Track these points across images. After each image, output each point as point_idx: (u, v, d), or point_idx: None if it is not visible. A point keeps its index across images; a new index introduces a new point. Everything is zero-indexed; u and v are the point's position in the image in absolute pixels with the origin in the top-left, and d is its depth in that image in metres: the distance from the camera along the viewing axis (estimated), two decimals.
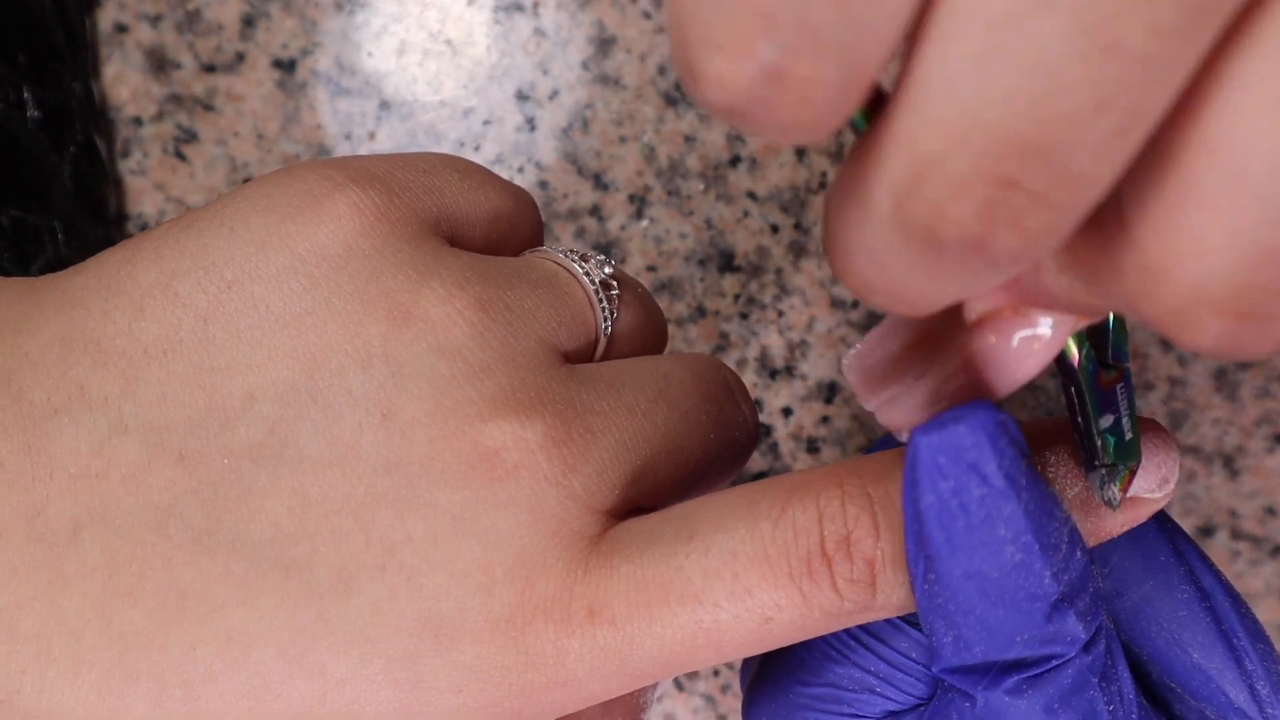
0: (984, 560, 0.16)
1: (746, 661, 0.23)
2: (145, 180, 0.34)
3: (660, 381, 0.20)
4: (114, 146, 0.34)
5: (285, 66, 0.34)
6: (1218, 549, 0.34)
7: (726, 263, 0.34)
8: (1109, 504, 0.18)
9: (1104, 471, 0.18)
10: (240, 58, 0.34)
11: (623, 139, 0.34)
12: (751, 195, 0.34)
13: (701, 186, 0.34)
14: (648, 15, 0.34)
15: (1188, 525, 0.34)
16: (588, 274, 0.20)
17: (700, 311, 0.34)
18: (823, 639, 0.20)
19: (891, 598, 0.18)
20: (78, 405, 0.17)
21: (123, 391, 0.17)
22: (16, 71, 0.30)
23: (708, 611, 0.17)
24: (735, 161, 0.34)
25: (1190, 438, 0.34)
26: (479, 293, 0.18)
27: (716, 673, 0.35)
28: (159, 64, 0.34)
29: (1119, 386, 0.19)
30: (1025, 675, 0.17)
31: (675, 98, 0.34)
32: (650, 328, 0.22)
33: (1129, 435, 0.18)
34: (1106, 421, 0.19)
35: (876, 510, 0.17)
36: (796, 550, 0.17)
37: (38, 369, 0.17)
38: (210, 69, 0.34)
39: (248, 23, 0.34)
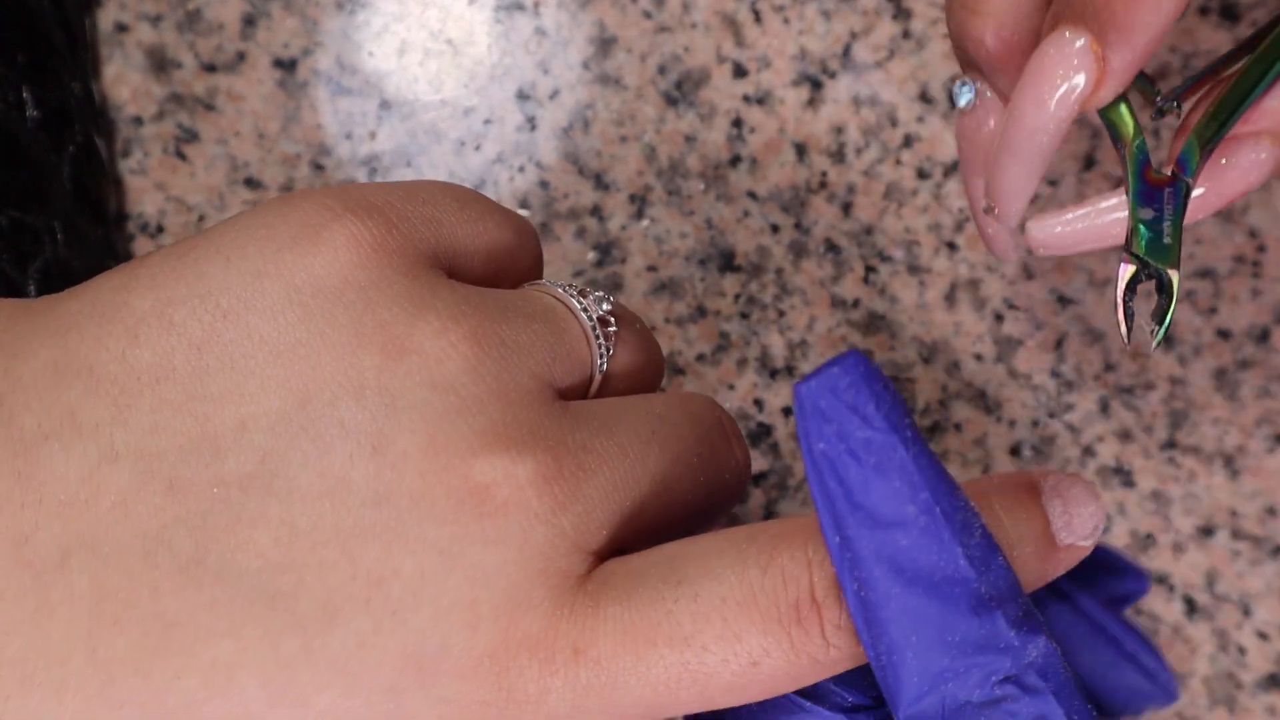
0: (888, 518, 0.17)
1: None
2: (145, 180, 0.34)
3: (654, 422, 0.20)
4: (114, 146, 0.34)
5: (286, 66, 0.34)
6: (1218, 549, 0.34)
7: (727, 262, 0.34)
8: (1149, 338, 0.19)
9: (1143, 285, 0.19)
10: (241, 57, 0.34)
11: (623, 139, 0.34)
12: (752, 195, 0.34)
13: (702, 186, 0.34)
14: (649, 15, 0.34)
15: (1188, 525, 0.34)
16: (585, 310, 0.20)
17: (700, 311, 0.34)
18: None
19: None
20: (68, 431, 0.17)
21: (114, 418, 0.17)
22: (16, 71, 0.30)
23: (695, 654, 0.17)
24: (736, 161, 0.34)
25: (1190, 438, 0.34)
26: (474, 326, 0.18)
27: None
28: (159, 64, 0.34)
29: (1168, 189, 0.20)
30: (976, 705, 0.17)
31: (675, 98, 0.34)
32: (647, 365, 0.22)
33: (1168, 240, 0.19)
34: (1146, 214, 0.20)
35: None
36: (786, 596, 0.17)
37: (29, 394, 0.17)
38: (211, 68, 0.34)
39: (248, 22, 0.34)
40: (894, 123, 0.34)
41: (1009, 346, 0.34)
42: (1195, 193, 0.21)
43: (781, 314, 0.34)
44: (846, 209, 0.34)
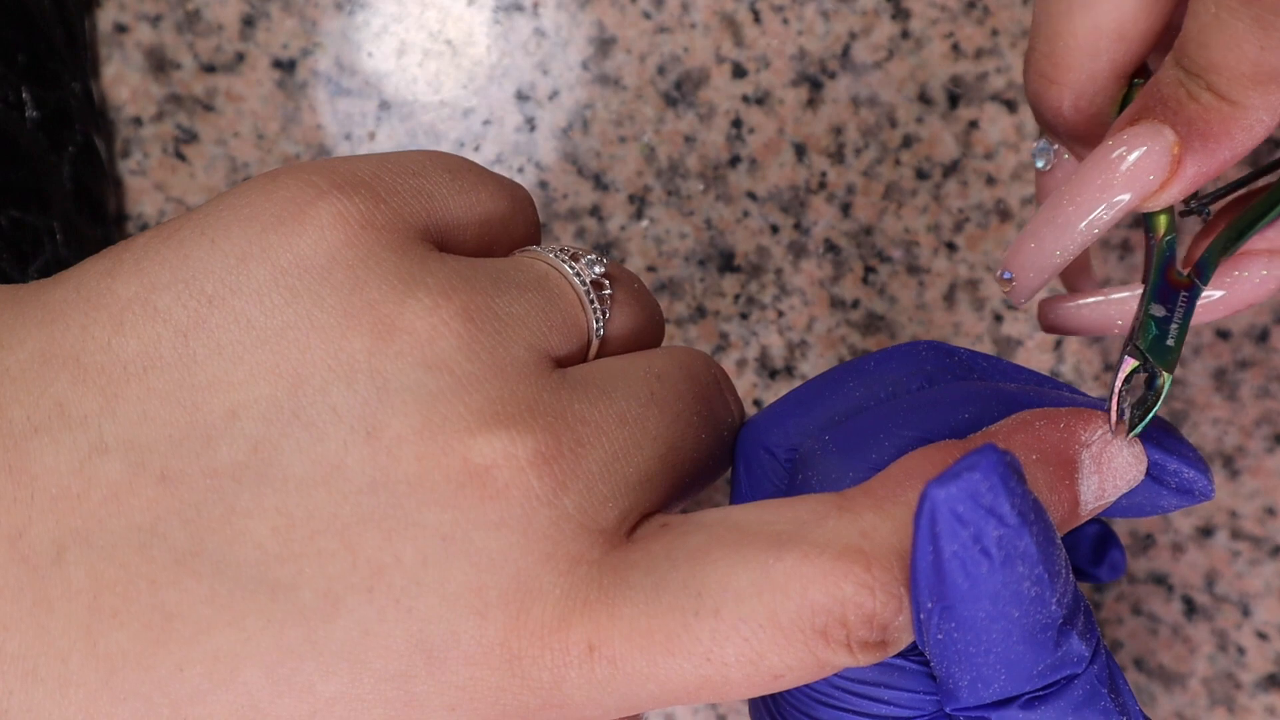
0: (1007, 600, 0.17)
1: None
2: (145, 180, 0.34)
3: (652, 383, 0.20)
4: (114, 147, 0.34)
5: (285, 66, 0.34)
6: (1218, 549, 0.34)
7: (726, 263, 0.34)
8: (1125, 424, 0.19)
9: (1136, 376, 0.20)
10: (240, 58, 0.34)
11: (622, 139, 0.34)
12: (751, 195, 0.34)
13: (701, 187, 0.34)
14: (648, 15, 0.34)
15: (1188, 525, 0.34)
16: (578, 274, 0.20)
17: (700, 311, 0.34)
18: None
19: (900, 644, 0.18)
20: (57, 424, 0.17)
21: (102, 410, 0.17)
22: (15, 71, 0.30)
23: (716, 670, 0.17)
24: (735, 161, 0.34)
25: (1190, 437, 0.34)
26: (466, 302, 0.18)
27: None
28: (159, 64, 0.34)
29: (1183, 294, 0.20)
30: (1037, 693, 0.18)
31: (675, 98, 0.34)
32: (646, 324, 0.22)
33: (1171, 342, 0.20)
34: (1158, 311, 0.20)
35: (903, 591, 0.17)
36: (814, 624, 0.17)
37: (17, 385, 0.17)
38: (210, 69, 0.34)
39: (248, 23, 0.34)
40: (893, 123, 0.34)
41: (1008, 347, 0.34)
42: (1208, 295, 0.22)
43: (781, 314, 0.34)
44: (846, 209, 0.34)
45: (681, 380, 0.20)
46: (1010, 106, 0.34)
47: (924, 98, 0.34)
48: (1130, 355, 0.20)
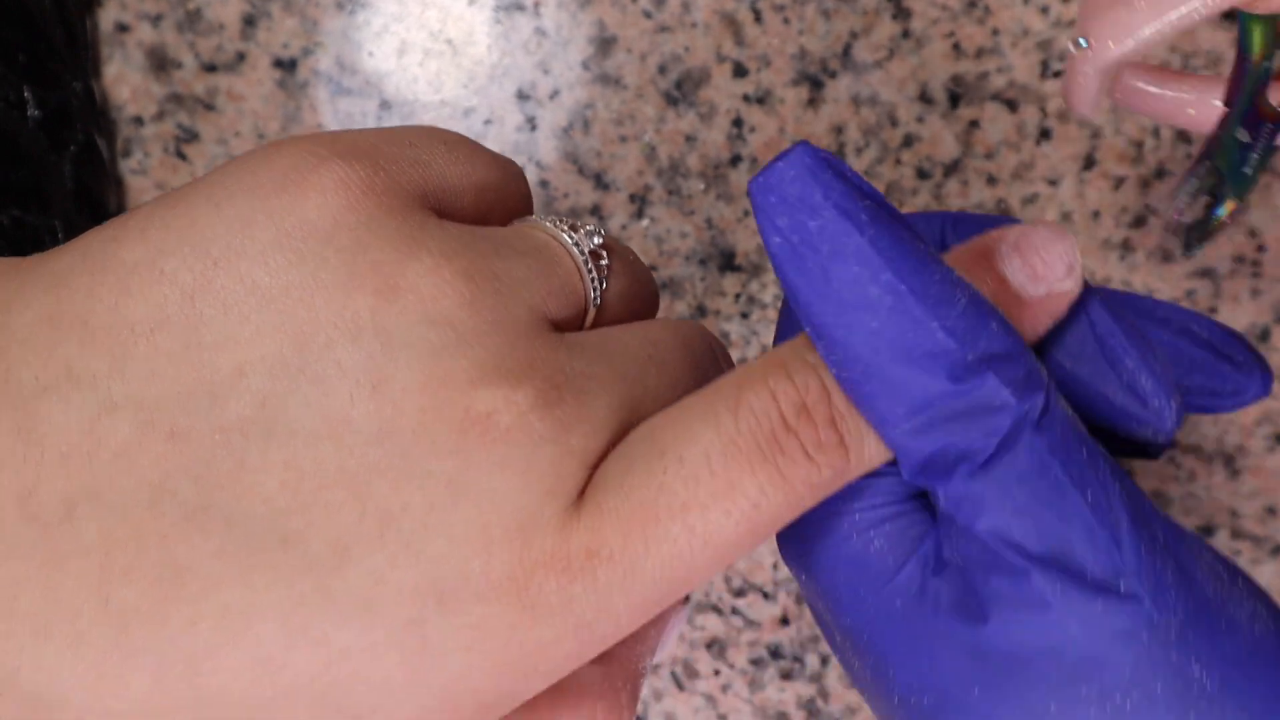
0: (854, 302, 0.17)
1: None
2: (146, 180, 0.34)
3: (649, 348, 0.20)
4: (115, 146, 0.34)
5: (286, 66, 0.34)
6: (1219, 548, 0.34)
7: (727, 262, 0.34)
8: (1181, 223, 0.18)
9: (1205, 186, 0.19)
10: (241, 57, 0.34)
11: (623, 138, 0.34)
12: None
13: (702, 186, 0.34)
14: (648, 15, 0.34)
15: (1188, 525, 0.34)
16: (576, 244, 0.21)
17: (701, 311, 0.34)
18: None
19: (864, 449, 0.18)
20: (66, 384, 0.17)
21: (111, 369, 0.17)
22: (17, 71, 0.30)
23: (698, 516, 0.17)
24: (736, 161, 0.34)
25: (1190, 437, 0.34)
26: (466, 264, 0.18)
27: (717, 672, 0.35)
28: (160, 63, 0.34)
29: (1269, 125, 0.20)
30: (976, 463, 0.18)
31: (676, 97, 0.34)
32: (641, 295, 0.22)
33: (1249, 169, 0.19)
34: (1243, 135, 0.19)
35: (820, 371, 0.18)
36: (761, 431, 0.18)
37: (24, 348, 0.17)
38: (211, 68, 0.34)
39: (249, 22, 0.34)
40: (894, 122, 0.34)
41: None
42: None
43: None
44: None
45: (678, 348, 0.21)
46: (1011, 106, 0.34)
47: (925, 97, 0.34)
48: (1198, 174, 0.19)
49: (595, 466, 0.18)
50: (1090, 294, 0.20)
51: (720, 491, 0.17)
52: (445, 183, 0.20)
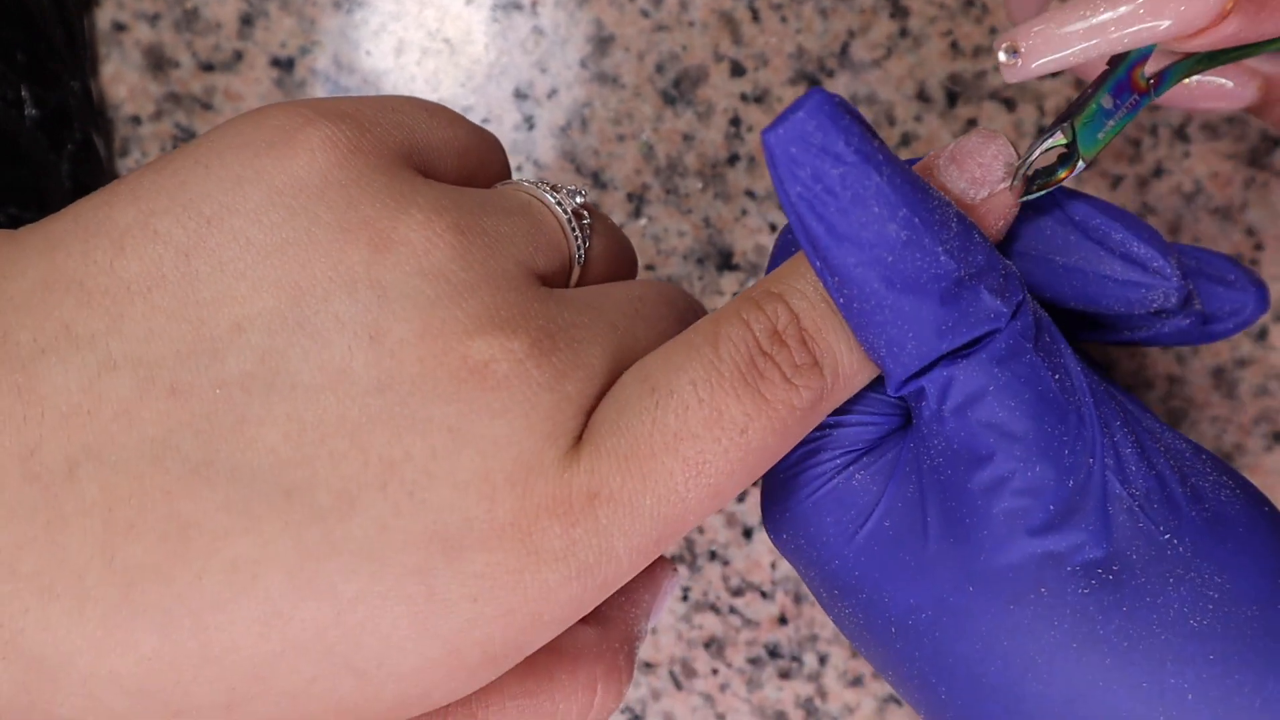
0: (872, 241, 0.18)
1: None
2: None
3: (635, 304, 0.21)
4: (112, 145, 0.34)
5: (283, 65, 0.34)
6: None
7: (725, 261, 0.34)
8: (1023, 175, 0.20)
9: (1056, 145, 0.20)
10: (238, 56, 0.34)
11: (621, 137, 0.34)
12: (750, 194, 0.34)
13: (700, 185, 0.34)
14: (646, 13, 0.34)
15: None
16: (560, 204, 0.21)
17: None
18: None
19: (841, 365, 0.19)
20: (65, 344, 0.17)
21: (109, 329, 0.17)
22: (15, 70, 0.30)
23: (689, 445, 0.18)
24: (733, 160, 0.34)
25: (1189, 435, 0.34)
26: (456, 219, 0.19)
27: (715, 671, 0.35)
28: (157, 63, 0.34)
29: (1134, 96, 0.21)
30: (957, 352, 0.19)
31: (674, 96, 0.34)
32: (621, 257, 0.23)
33: (1101, 135, 0.20)
34: (1106, 102, 0.20)
35: (788, 298, 0.19)
36: (741, 358, 0.18)
37: (21, 312, 0.17)
38: (208, 68, 0.34)
39: (246, 21, 0.34)
40: (892, 121, 0.34)
41: None
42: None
43: None
44: None
45: (662, 303, 0.22)
46: (1009, 105, 0.34)
47: (922, 96, 0.34)
48: (1063, 133, 0.20)
49: (590, 412, 0.19)
50: (1058, 192, 0.21)
51: (710, 419, 0.18)
52: (429, 144, 0.20)
